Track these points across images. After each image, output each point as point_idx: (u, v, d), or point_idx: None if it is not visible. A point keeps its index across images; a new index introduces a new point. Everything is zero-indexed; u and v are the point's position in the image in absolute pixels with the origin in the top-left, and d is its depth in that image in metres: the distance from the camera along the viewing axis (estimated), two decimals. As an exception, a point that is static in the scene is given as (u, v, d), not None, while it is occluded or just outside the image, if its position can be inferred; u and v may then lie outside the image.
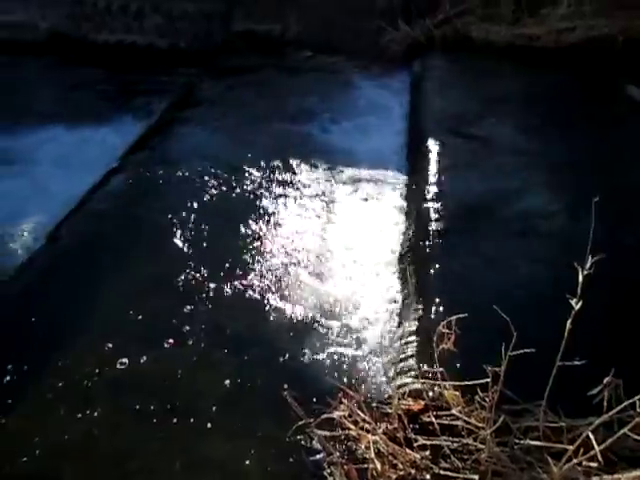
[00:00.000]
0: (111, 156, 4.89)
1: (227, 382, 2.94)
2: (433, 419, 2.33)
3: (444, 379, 2.42)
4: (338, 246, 3.91)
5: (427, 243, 3.67)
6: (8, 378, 2.93)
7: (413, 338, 2.98)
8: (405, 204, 4.34)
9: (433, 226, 3.84)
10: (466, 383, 2.32)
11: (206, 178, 4.59)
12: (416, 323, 3.07)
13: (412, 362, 2.83)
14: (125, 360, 3.05)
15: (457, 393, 2.36)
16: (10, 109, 5.81)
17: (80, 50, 7.18)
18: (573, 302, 1.87)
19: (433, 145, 4.92)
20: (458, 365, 2.52)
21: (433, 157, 4.75)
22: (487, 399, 2.19)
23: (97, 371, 2.98)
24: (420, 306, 3.18)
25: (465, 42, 6.91)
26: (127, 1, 7.29)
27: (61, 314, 3.35)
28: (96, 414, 2.75)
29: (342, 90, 6.24)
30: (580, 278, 1.87)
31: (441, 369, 2.40)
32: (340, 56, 6.89)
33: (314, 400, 2.74)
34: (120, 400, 2.84)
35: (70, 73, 6.74)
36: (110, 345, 3.12)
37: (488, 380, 2.14)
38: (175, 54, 7.03)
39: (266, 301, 3.44)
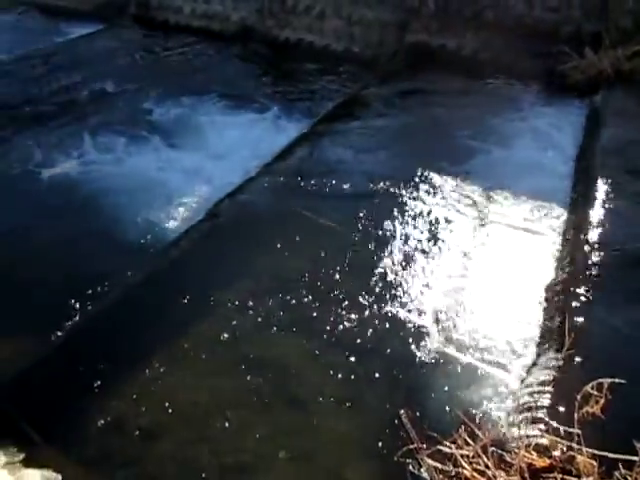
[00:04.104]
0: (270, 148, 5.10)
1: (341, 386, 2.95)
2: (558, 482, 2.13)
3: (579, 442, 2.20)
4: (480, 274, 3.73)
5: (581, 289, 3.37)
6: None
7: (548, 388, 2.75)
8: (562, 242, 4.02)
9: (589, 271, 3.52)
10: (607, 454, 2.08)
11: (358, 183, 4.63)
12: (553, 373, 2.82)
13: (542, 414, 2.61)
14: (247, 338, 3.20)
15: (593, 462, 2.12)
16: (191, 88, 6.35)
17: (262, 43, 7.64)
18: None
19: (603, 186, 4.50)
20: (600, 431, 2.27)
21: (601, 198, 4.35)
22: (629, 478, 1.95)
23: (220, 340, 3.16)
24: (560, 355, 2.92)
25: (660, 80, 6.23)
26: (312, 2, 7.62)
27: (201, 283, 3.59)
28: (212, 386, 2.92)
29: (509, 115, 5.95)
30: None
31: (578, 431, 2.18)
32: (515, 79, 6.57)
33: (423, 424, 2.67)
34: (237, 376, 2.97)
35: (249, 64, 7.22)
36: (235, 322, 3.28)
37: (635, 458, 1.90)
38: (348, 58, 7.21)
39: (396, 315, 3.39)
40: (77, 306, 3.34)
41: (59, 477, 2.46)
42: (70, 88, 6.24)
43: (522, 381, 2.91)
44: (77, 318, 3.26)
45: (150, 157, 4.99)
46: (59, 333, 3.16)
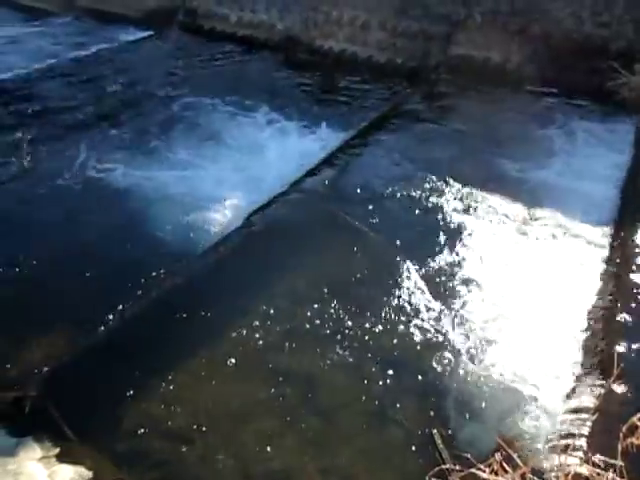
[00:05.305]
0: (311, 157, 5.10)
1: (372, 399, 2.91)
2: (597, 515, 2.03)
3: (622, 475, 2.10)
4: (519, 292, 3.63)
5: (626, 313, 3.24)
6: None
7: (587, 416, 2.64)
8: (605, 267, 3.87)
9: (635, 296, 3.40)
10: (652, 490, 1.98)
11: (395, 192, 4.61)
12: (594, 400, 2.72)
13: (581, 442, 2.51)
14: (277, 347, 3.19)
15: (636, 497, 2.02)
16: (234, 95, 6.39)
17: (306, 53, 7.68)
18: None
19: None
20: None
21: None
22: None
23: (251, 348, 3.18)
24: (602, 382, 2.81)
25: None
26: (357, 13, 7.62)
27: (235, 290, 3.60)
28: (242, 394, 2.93)
29: (555, 130, 5.81)
30: None
31: (621, 462, 2.07)
32: (562, 95, 6.42)
33: (455, 444, 2.61)
34: (267, 385, 2.97)
35: (292, 73, 7.27)
36: (267, 331, 3.28)
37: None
38: (391, 69, 7.17)
39: (430, 330, 3.32)
40: (114, 309, 3.37)
41: (91, 474, 2.50)
42: (115, 93, 6.40)
43: (563, 406, 2.81)
44: (113, 321, 3.29)
45: (194, 164, 5.03)
46: (95, 335, 3.21)
